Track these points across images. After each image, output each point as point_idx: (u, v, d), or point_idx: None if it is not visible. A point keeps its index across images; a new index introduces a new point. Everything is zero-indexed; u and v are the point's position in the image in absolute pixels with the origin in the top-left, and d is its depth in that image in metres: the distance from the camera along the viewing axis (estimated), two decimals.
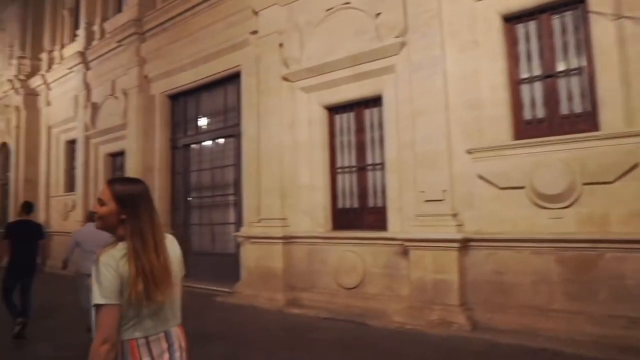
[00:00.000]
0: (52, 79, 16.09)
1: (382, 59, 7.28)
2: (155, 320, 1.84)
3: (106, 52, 13.22)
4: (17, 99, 17.19)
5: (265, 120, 8.54)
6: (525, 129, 6.19)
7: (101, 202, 1.89)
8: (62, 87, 15.67)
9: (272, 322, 6.91)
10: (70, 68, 14.73)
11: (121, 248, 1.82)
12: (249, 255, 8.59)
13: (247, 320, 7.09)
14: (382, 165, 7.54)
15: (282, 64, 8.41)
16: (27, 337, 6.10)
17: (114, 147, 13.10)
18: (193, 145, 11.07)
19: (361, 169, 7.85)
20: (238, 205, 9.60)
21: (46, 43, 17.12)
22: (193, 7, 10.23)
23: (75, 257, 6.30)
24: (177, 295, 1.98)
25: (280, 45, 8.48)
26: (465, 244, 6.21)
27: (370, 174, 7.77)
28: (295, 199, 8.19)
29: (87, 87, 14.10)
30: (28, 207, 6.90)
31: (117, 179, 2.00)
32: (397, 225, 7.05)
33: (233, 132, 9.86)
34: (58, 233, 15.17)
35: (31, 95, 16.98)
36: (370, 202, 7.72)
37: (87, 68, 14.11)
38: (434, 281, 6.31)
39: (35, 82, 16.75)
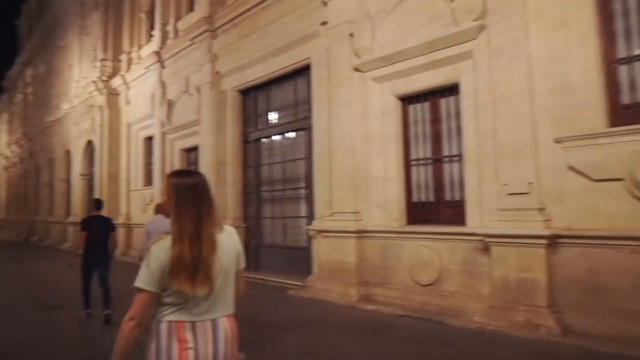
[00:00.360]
0: (130, 79, 16.89)
1: (458, 44, 6.90)
2: (202, 308, 1.88)
3: (180, 51, 13.64)
4: (100, 99, 18.22)
5: (336, 112, 8.40)
6: (622, 114, 5.60)
7: (163, 192, 2.04)
8: (140, 86, 16.40)
9: (345, 317, 6.79)
10: (147, 67, 15.37)
11: (170, 238, 1.89)
12: (321, 249, 8.52)
13: (320, 314, 7.01)
14: (459, 156, 7.17)
15: (353, 54, 8.22)
16: (112, 323, 6.42)
17: (188, 143, 13.52)
18: (264, 139, 11.17)
19: (437, 160, 7.53)
20: (309, 198, 9.56)
21: (125, 45, 18.00)
22: (262, 1, 10.27)
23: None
24: (226, 287, 1.98)
25: (351, 35, 8.29)
26: (553, 241, 5.74)
27: (446, 166, 7.43)
28: (368, 192, 8.01)
29: (163, 85, 14.65)
30: (98, 203, 7.58)
31: (176, 171, 2.09)
32: (476, 219, 6.68)
33: (304, 125, 9.82)
34: (137, 225, 15.95)
35: (112, 95, 17.95)
36: (447, 196, 7.38)
37: (163, 67, 14.65)
38: (519, 280, 5.90)
39: (116, 82, 17.67)
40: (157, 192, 14.50)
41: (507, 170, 6.20)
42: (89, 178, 20.58)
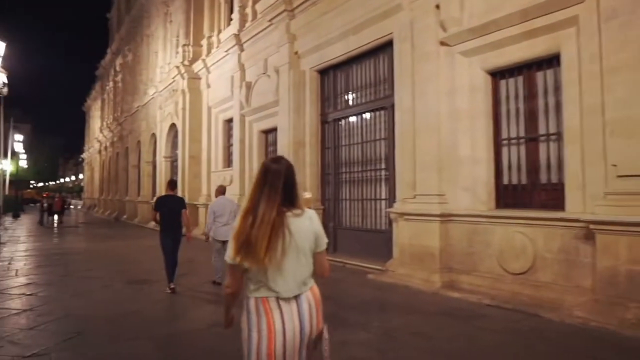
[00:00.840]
0: (211, 63, 17.27)
1: (560, 10, 6.22)
2: (282, 284, 2.02)
3: (258, 33, 13.67)
4: (183, 84, 18.84)
5: (421, 90, 7.97)
6: None
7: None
8: (219, 69, 16.73)
9: (429, 304, 6.46)
10: (226, 51, 15.60)
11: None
12: (403, 233, 8.20)
13: (402, 300, 6.74)
14: (558, 135, 6.54)
15: (439, 27, 7.72)
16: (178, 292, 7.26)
17: (266, 124, 13.60)
18: (343, 120, 10.93)
19: (531, 140, 6.92)
20: (390, 180, 9.23)
21: (206, 30, 18.40)
22: None
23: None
24: (303, 265, 2.11)
25: (437, 6, 7.78)
26: None
27: (542, 146, 6.81)
28: (454, 174, 7.56)
29: (242, 68, 14.80)
30: (173, 184, 8.07)
31: (270, 158, 2.23)
32: (578, 204, 6.05)
33: (384, 104, 9.47)
34: None
35: (194, 79, 18.49)
36: (543, 178, 6.78)
37: (242, 49, 14.78)
38: (630, 273, 5.27)
39: (197, 67, 18.15)
40: (236, 173, 14.78)
41: (617, 149, 5.52)
42: (172, 160, 21.50)
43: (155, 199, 8.34)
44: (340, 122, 11.03)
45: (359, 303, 6.64)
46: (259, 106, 13.57)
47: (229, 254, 2.05)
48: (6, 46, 15.07)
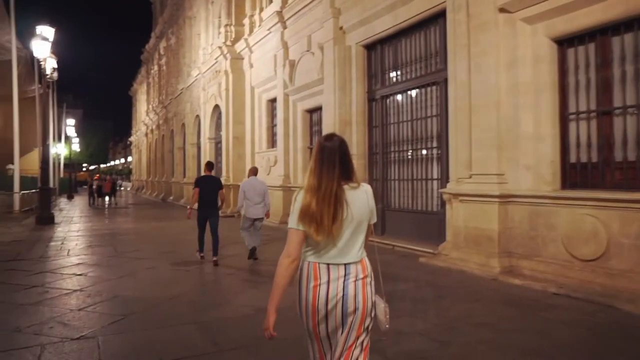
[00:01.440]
0: (253, 42, 17.00)
1: None
2: (335, 253, 2.13)
3: (301, 8, 13.26)
4: (226, 64, 18.71)
5: (478, 62, 7.39)
6: None
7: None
8: (262, 48, 16.44)
9: (488, 291, 6.02)
10: (269, 29, 15.28)
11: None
12: (457, 215, 7.73)
13: (459, 286, 6.32)
14: (637, 107, 5.88)
15: None
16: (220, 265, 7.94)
17: (311, 103, 13.26)
18: (391, 97, 10.43)
19: (604, 113, 6.27)
20: (442, 159, 8.74)
21: (247, 8, 18.13)
22: None
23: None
24: (358, 237, 2.20)
25: None
26: None
27: (617, 120, 6.15)
28: (515, 152, 7.00)
29: (285, 46, 14.46)
30: (210, 165, 8.74)
31: (325, 135, 2.30)
32: None
33: (436, 79, 8.92)
34: None
35: (236, 60, 18.31)
36: (617, 155, 6.14)
37: (284, 27, 14.42)
38: None
39: (240, 46, 17.94)
40: (280, 153, 14.56)
41: None
42: (216, 141, 21.55)
43: (195, 179, 8.88)
44: (388, 99, 10.54)
45: (413, 289, 6.29)
46: (302, 85, 13.23)
47: (294, 222, 2.13)
48: (59, 35, 15.32)
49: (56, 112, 35.16)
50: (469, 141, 7.57)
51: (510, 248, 6.97)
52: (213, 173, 8.72)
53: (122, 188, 51.60)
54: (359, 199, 2.19)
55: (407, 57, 9.91)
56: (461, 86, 7.74)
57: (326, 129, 11.60)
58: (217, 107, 20.77)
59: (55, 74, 16.74)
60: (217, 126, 21.39)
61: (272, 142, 16.44)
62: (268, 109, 16.80)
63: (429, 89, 9.27)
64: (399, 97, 10.22)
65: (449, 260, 7.57)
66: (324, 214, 2.08)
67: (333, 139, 2.24)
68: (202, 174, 8.72)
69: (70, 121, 42.28)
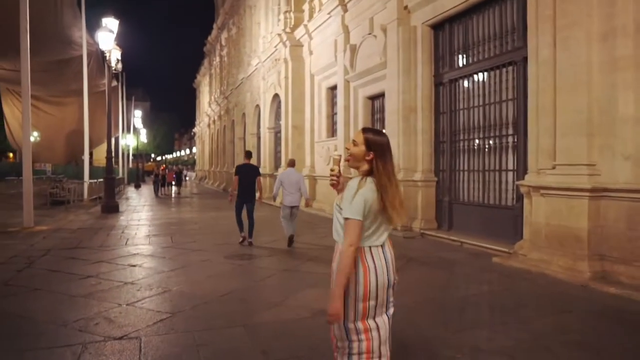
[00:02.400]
0: (313, 28, 16.48)
1: None
2: (384, 234, 2.40)
3: None
4: (285, 52, 18.34)
5: (565, 35, 6.45)
6: None
7: (355, 143, 2.41)
8: (322, 34, 15.90)
9: (578, 301, 5.20)
10: (329, 13, 14.68)
11: (371, 181, 2.33)
12: (537, 210, 6.87)
13: (541, 293, 5.53)
14: None
15: None
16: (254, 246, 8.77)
17: (373, 90, 12.60)
18: (460, 80, 9.58)
19: None
20: (519, 148, 7.86)
21: None
22: None
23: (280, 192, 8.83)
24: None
25: None
26: None
27: None
28: (610, 138, 6.04)
29: (346, 30, 13.83)
30: (249, 154, 9.69)
31: (368, 128, 2.50)
32: None
33: (513, 58, 8.01)
34: (321, 177, 15.83)
35: (296, 47, 17.87)
36: None
37: (345, 10, 13.78)
38: None
39: (299, 33, 17.48)
40: (341, 142, 14.02)
41: None
42: (276, 131, 21.33)
43: (235, 167, 9.66)
44: (457, 83, 9.70)
45: (488, 294, 5.58)
46: (364, 70, 12.57)
47: (358, 213, 2.26)
48: (126, 33, 15.59)
49: (125, 105, 36.51)
50: (552, 127, 6.66)
51: (603, 250, 6.06)
52: (251, 161, 9.50)
53: (188, 178, 53.09)
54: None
55: (479, 35, 9.02)
56: (544, 64, 6.81)
57: (389, 117, 10.91)
58: (276, 96, 20.51)
59: (120, 65, 17.05)
60: (277, 115, 21.15)
61: (332, 131, 15.92)
62: (328, 97, 16.27)
63: (504, 70, 8.36)
64: (469, 80, 9.35)
65: (528, 262, 6.74)
66: (401, 201, 2.36)
67: (384, 135, 2.47)
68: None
69: (138, 113, 43.85)
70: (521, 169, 7.69)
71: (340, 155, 2.52)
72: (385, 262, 2.35)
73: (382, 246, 2.37)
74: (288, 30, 18.02)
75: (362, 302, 2.31)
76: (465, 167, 9.40)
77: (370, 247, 2.34)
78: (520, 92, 7.80)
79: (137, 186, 34.65)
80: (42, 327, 4.33)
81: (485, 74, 8.85)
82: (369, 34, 12.37)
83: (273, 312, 4.83)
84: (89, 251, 8.27)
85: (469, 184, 9.28)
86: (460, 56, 9.63)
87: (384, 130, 2.40)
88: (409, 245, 8.91)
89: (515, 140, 8.03)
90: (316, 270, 6.80)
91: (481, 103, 8.95)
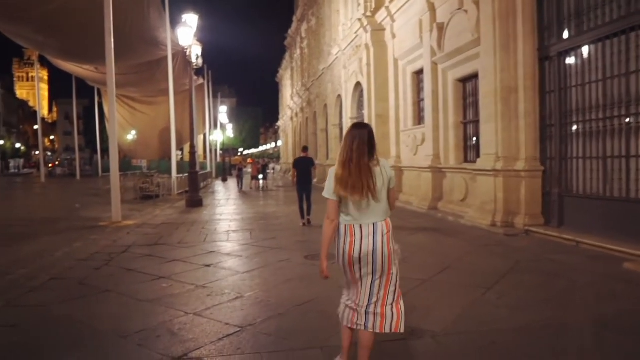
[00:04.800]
0: (395, 9, 15.44)
1: None
2: (364, 215, 2.86)
3: None
4: (366, 37, 17.46)
5: None
6: None
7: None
8: (405, 15, 14.83)
9: None
10: None
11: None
12: None
13: None
14: None
15: None
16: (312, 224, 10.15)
17: (464, 71, 11.42)
18: (572, 52, 8.18)
19: None
20: None
21: None
22: None
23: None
24: (381, 202, 2.90)
25: None
26: None
27: None
28: None
29: (431, 8, 12.68)
30: (305, 148, 11.62)
31: (354, 124, 3.04)
32: None
33: None
34: (408, 168, 14.83)
35: (377, 31, 16.92)
36: None
37: None
38: None
39: (381, 16, 16.51)
40: (429, 131, 12.95)
41: None
42: (359, 121, 20.54)
43: (293, 160, 11.36)
44: (568, 56, 8.30)
45: (628, 314, 4.40)
46: (454, 50, 11.39)
47: (330, 191, 2.90)
48: (212, 30, 15.65)
49: (211, 101, 37.56)
50: None
51: None
52: (308, 154, 11.26)
53: (274, 171, 53.92)
54: (379, 172, 2.89)
55: None
56: None
57: (484, 99, 9.72)
58: (358, 84, 19.69)
59: (200, 61, 17.13)
60: (359, 105, 20.33)
61: (418, 119, 14.83)
62: (413, 82, 15.15)
63: (631, 35, 6.92)
64: (584, 51, 7.94)
65: None
66: (359, 180, 2.81)
67: (361, 129, 2.94)
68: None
69: (223, 109, 45.03)
70: None
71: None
72: (359, 239, 2.87)
73: (361, 225, 2.87)
74: (369, 14, 17.09)
75: (342, 267, 3.02)
76: (581, 154, 8.02)
77: (346, 224, 2.92)
78: None
79: (224, 180, 35.53)
80: (101, 337, 3.98)
81: (607, 42, 7.41)
82: (459, 9, 11.17)
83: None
84: (167, 248, 8.05)
85: (586, 173, 7.89)
86: (571, 24, 8.21)
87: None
88: (512, 243, 7.80)
89: None
90: (409, 275, 5.95)
91: (600, 77, 7.53)
